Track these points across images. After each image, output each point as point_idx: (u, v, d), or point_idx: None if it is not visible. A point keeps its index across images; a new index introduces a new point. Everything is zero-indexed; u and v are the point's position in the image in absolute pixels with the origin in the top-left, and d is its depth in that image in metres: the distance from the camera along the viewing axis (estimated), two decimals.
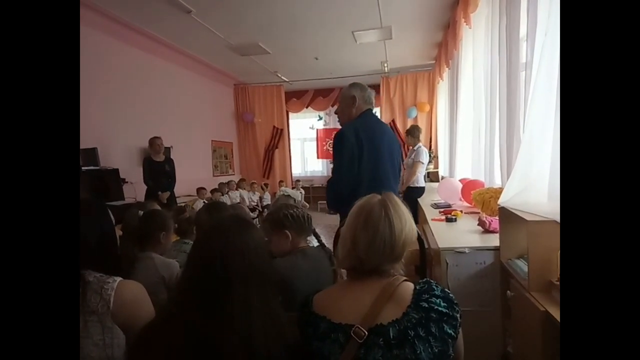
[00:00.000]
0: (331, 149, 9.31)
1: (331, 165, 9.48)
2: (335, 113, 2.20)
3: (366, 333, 0.84)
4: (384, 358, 0.83)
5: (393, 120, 7.62)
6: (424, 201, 3.65)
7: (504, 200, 1.67)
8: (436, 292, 0.89)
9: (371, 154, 1.94)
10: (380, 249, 0.90)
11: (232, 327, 0.79)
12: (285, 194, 7.34)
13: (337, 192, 1.97)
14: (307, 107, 9.00)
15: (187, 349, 0.78)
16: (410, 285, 0.92)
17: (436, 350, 0.83)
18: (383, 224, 0.91)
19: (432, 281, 0.94)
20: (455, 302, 0.90)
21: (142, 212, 1.68)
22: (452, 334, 0.86)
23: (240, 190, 7.01)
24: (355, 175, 1.92)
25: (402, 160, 4.28)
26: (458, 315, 0.89)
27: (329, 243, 1.64)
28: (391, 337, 0.83)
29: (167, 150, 5.01)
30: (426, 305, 0.87)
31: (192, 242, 1.88)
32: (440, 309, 0.86)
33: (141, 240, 1.60)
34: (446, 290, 0.92)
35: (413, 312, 0.86)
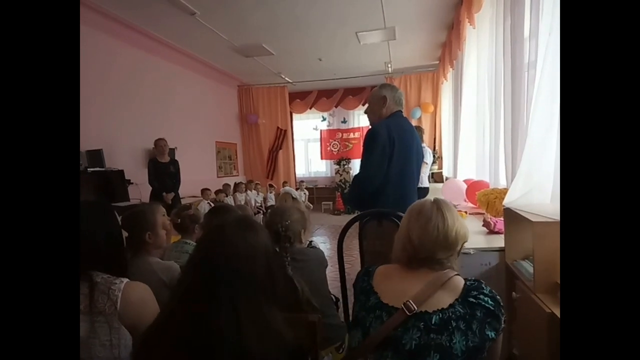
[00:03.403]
0: (335, 149, 9.34)
1: (335, 167, 9.47)
2: (365, 113, 2.20)
3: (416, 308, 0.89)
4: (420, 339, 0.88)
5: None
6: None
7: (509, 201, 1.66)
8: (485, 291, 0.92)
9: (401, 154, 1.94)
10: (433, 236, 0.96)
11: (221, 334, 0.76)
12: (284, 191, 7.27)
13: (363, 188, 1.97)
14: (310, 108, 9.01)
15: (180, 355, 0.76)
16: (461, 280, 0.96)
17: (471, 345, 0.86)
18: (435, 215, 0.98)
19: (481, 280, 0.97)
20: (501, 304, 0.92)
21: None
22: (491, 336, 0.88)
23: (247, 191, 7.04)
24: (384, 173, 1.91)
25: None
26: (503, 318, 0.91)
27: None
28: (432, 322, 0.88)
29: (172, 151, 5.04)
30: (474, 301, 0.90)
31: (193, 242, 1.88)
32: (487, 305, 0.89)
33: (128, 244, 1.44)
34: (494, 291, 0.94)
35: (459, 305, 0.90)
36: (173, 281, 1.45)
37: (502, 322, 0.91)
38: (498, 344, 0.93)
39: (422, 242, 0.96)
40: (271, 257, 0.91)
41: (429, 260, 0.97)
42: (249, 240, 0.87)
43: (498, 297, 0.93)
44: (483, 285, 0.94)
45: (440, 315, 0.89)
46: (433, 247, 0.96)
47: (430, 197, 1.08)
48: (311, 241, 1.83)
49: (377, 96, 2.09)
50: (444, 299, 0.91)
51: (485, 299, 0.90)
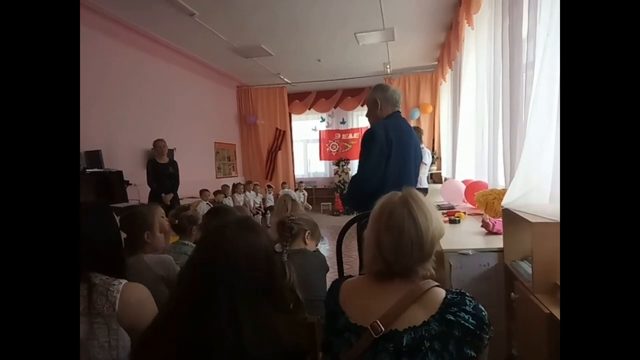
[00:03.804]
0: (334, 150, 9.34)
1: (334, 167, 9.47)
2: (366, 116, 2.24)
3: (383, 329, 0.80)
4: None
5: None
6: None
7: (507, 201, 1.66)
8: (467, 308, 0.82)
9: (399, 154, 1.94)
10: (408, 250, 0.85)
11: (220, 335, 0.76)
12: (284, 192, 7.26)
13: (361, 189, 1.96)
14: (309, 109, 9.03)
15: (181, 351, 0.76)
16: (441, 293, 0.86)
17: None
18: (408, 223, 0.85)
19: (467, 294, 0.86)
20: (486, 322, 0.82)
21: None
22: (471, 354, 0.79)
23: (246, 192, 7.03)
24: (381, 174, 1.91)
25: None
26: (486, 337, 0.81)
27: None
28: (403, 344, 0.79)
29: (171, 152, 5.03)
30: (452, 319, 0.80)
31: (191, 243, 1.88)
32: (467, 325, 0.79)
33: (126, 245, 1.44)
34: (480, 307, 0.84)
35: (435, 323, 0.80)
36: (169, 274, 1.48)
37: (486, 340, 0.81)
38: (482, 359, 0.84)
39: (397, 257, 0.86)
40: (272, 259, 0.91)
41: (404, 272, 0.87)
42: (249, 241, 0.87)
43: (484, 313, 0.82)
44: (467, 301, 0.83)
45: (412, 335, 0.79)
46: (408, 261, 0.86)
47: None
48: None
49: (370, 100, 2.12)
50: (417, 316, 0.81)
51: (466, 317, 0.80)
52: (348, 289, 0.94)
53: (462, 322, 0.79)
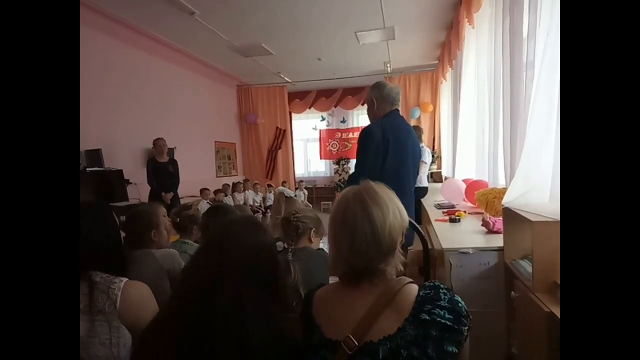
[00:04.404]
0: (334, 149, 9.35)
1: (334, 166, 9.45)
2: (367, 115, 2.26)
3: (357, 344, 0.75)
4: None
5: None
6: (427, 201, 3.65)
7: (508, 200, 1.66)
8: (442, 303, 0.77)
9: (396, 153, 1.95)
10: (363, 248, 0.79)
11: (224, 327, 0.77)
12: (279, 190, 7.26)
13: None
14: (310, 108, 9.03)
15: (182, 348, 0.77)
16: (413, 290, 0.81)
17: None
18: (361, 220, 0.80)
19: (441, 286, 0.81)
20: (463, 314, 0.78)
21: (126, 215, 1.61)
22: (453, 350, 0.75)
23: (246, 191, 7.04)
24: (378, 172, 1.91)
25: None
26: (465, 329, 0.77)
27: None
28: (380, 357, 0.74)
29: (171, 151, 5.04)
30: (427, 318, 0.75)
31: (192, 242, 1.89)
32: (443, 321, 0.75)
33: (131, 242, 1.51)
34: (456, 299, 0.79)
35: (410, 326, 0.75)
36: (174, 267, 1.49)
37: (466, 331, 0.77)
38: (464, 354, 0.80)
39: (353, 257, 0.80)
40: (276, 257, 0.93)
41: (367, 272, 0.82)
42: (256, 239, 0.89)
43: (460, 304, 0.78)
44: (441, 294, 0.78)
45: (388, 345, 0.74)
46: (367, 260, 0.80)
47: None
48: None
49: (367, 100, 2.14)
50: (391, 322, 0.76)
51: (442, 312, 0.75)
52: (321, 298, 0.88)
53: (438, 319, 0.75)
